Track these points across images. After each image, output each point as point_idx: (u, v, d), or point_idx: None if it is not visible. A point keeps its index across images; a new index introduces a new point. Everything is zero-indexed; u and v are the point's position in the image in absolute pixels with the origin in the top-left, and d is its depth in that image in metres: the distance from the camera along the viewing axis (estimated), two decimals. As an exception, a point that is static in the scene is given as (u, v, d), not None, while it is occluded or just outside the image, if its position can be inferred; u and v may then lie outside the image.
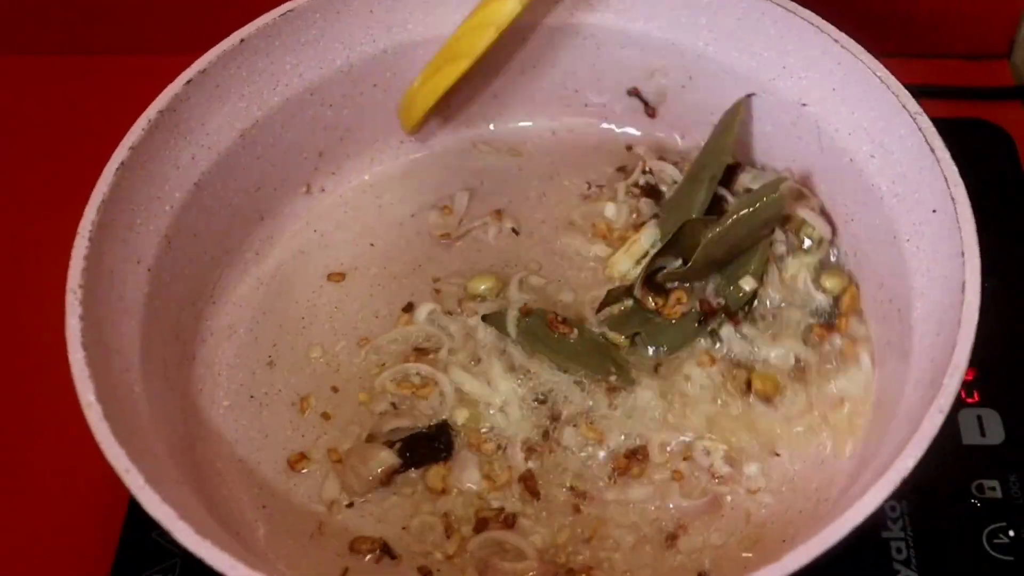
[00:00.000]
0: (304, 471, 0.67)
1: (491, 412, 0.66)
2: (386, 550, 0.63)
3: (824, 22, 0.68)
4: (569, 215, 0.77)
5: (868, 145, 0.67)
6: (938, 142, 0.61)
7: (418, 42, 0.76)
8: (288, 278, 0.75)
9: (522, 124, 0.82)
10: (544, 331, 0.68)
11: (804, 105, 0.70)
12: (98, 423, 0.54)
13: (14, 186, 0.91)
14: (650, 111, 0.79)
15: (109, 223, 0.63)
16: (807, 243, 0.71)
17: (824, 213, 0.72)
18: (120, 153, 0.64)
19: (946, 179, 0.60)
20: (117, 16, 0.96)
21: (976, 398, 0.73)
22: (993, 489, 0.70)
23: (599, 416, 0.66)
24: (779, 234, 0.70)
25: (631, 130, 0.81)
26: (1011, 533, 0.68)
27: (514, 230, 0.77)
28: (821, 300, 0.69)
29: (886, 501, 0.50)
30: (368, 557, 0.63)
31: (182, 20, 0.95)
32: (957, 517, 0.69)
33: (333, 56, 0.74)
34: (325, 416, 0.68)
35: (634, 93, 0.79)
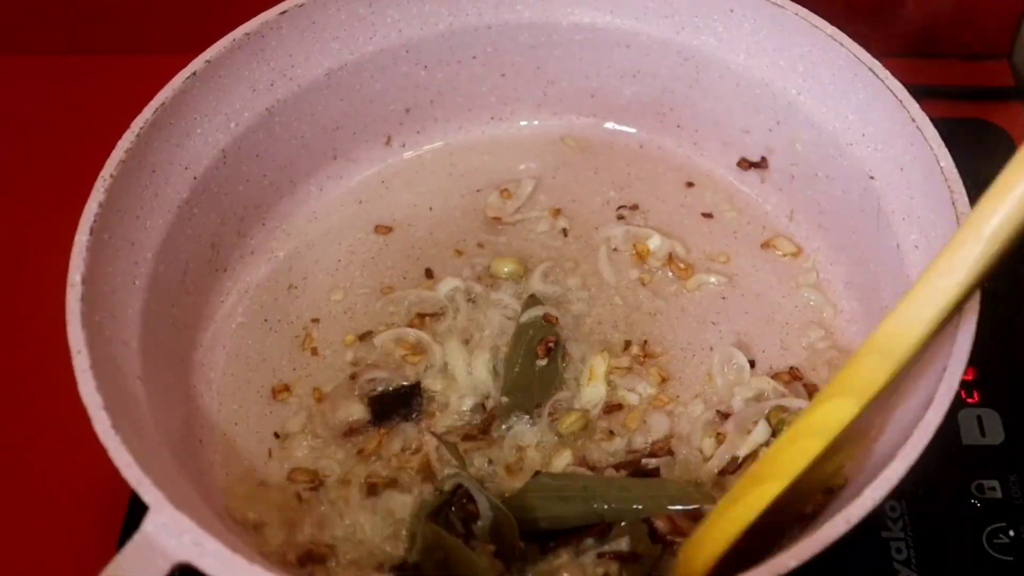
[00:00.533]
0: (283, 401, 0.69)
1: (458, 395, 0.67)
2: (317, 488, 0.65)
3: (909, 98, 0.64)
4: (618, 232, 0.76)
5: (916, 234, 0.64)
6: (971, 250, 0.57)
7: (524, 24, 0.77)
8: (341, 219, 0.78)
9: (615, 128, 0.82)
10: (528, 336, 0.68)
11: (872, 178, 0.67)
12: (73, 302, 0.58)
13: (14, 186, 0.91)
14: (763, 163, 0.77)
15: (165, 126, 0.66)
16: None
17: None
18: (195, 64, 0.68)
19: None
20: (117, 16, 0.97)
21: (976, 398, 0.72)
22: (993, 489, 0.69)
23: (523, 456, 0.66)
24: (761, 431, 0.65)
25: (711, 165, 0.79)
26: (1011, 533, 0.67)
27: (564, 231, 0.76)
28: None
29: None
30: (299, 487, 0.65)
31: (182, 20, 0.95)
32: (957, 517, 0.68)
33: (436, 20, 0.76)
34: (315, 351, 0.71)
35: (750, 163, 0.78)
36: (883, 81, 0.65)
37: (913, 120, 0.63)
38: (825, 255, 0.74)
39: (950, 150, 0.60)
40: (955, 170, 0.61)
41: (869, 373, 0.52)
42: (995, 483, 0.69)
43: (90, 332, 0.57)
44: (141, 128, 0.65)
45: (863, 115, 0.68)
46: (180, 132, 0.68)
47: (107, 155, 0.63)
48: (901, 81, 0.64)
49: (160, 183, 0.67)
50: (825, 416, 0.53)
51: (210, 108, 0.69)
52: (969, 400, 0.72)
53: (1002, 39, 0.94)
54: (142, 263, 0.65)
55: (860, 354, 0.52)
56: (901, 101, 0.64)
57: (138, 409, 0.59)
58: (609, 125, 0.82)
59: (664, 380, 0.68)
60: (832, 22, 0.67)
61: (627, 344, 0.70)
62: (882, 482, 0.50)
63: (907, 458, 0.51)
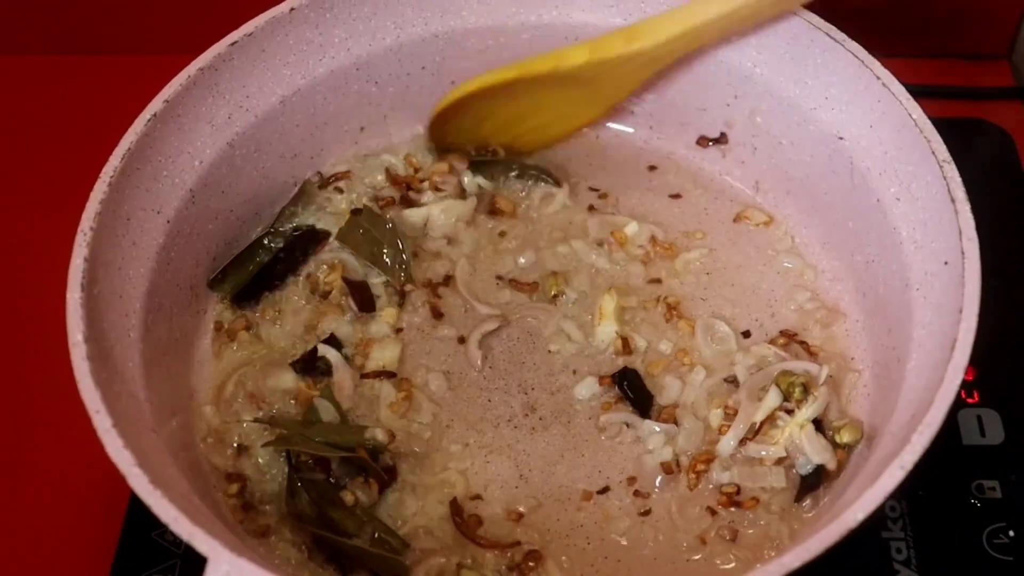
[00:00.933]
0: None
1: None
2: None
3: (870, 57, 0.66)
4: (593, 223, 0.76)
5: (896, 187, 0.66)
6: (960, 193, 0.60)
7: (470, 30, 0.76)
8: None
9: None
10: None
11: (841, 139, 0.69)
12: (80, 362, 0.56)
13: (14, 186, 0.90)
14: (722, 139, 0.78)
15: (133, 172, 0.64)
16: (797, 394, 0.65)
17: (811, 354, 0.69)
18: (154, 105, 0.66)
19: (960, 232, 0.58)
20: (117, 16, 0.96)
21: (976, 398, 0.73)
22: (993, 489, 0.70)
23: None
24: (773, 396, 0.65)
25: (670, 146, 0.80)
26: (1011, 533, 0.68)
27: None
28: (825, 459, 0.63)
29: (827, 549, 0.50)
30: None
31: (182, 20, 0.94)
32: (957, 517, 0.69)
33: (383, 34, 0.75)
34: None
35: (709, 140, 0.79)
36: (842, 44, 0.67)
37: (878, 78, 0.65)
38: (797, 220, 0.75)
39: (950, 150, 0.61)
40: (928, 121, 0.63)
41: (611, 43, 0.70)
42: (995, 483, 0.69)
43: (103, 390, 0.55)
44: (111, 177, 0.63)
45: (824, 79, 0.69)
46: (148, 176, 0.66)
47: (106, 156, 0.62)
48: (901, 81, 0.65)
49: (136, 231, 0.65)
50: (563, 53, 0.71)
51: (173, 149, 0.68)
52: (969, 400, 0.73)
53: (1002, 39, 0.94)
54: (132, 314, 0.63)
55: (618, 32, 0.70)
56: (862, 61, 0.66)
57: (163, 460, 0.57)
58: (563, 120, 0.82)
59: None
60: (833, 23, 0.67)
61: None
62: (926, 426, 0.52)
63: (944, 401, 0.53)
